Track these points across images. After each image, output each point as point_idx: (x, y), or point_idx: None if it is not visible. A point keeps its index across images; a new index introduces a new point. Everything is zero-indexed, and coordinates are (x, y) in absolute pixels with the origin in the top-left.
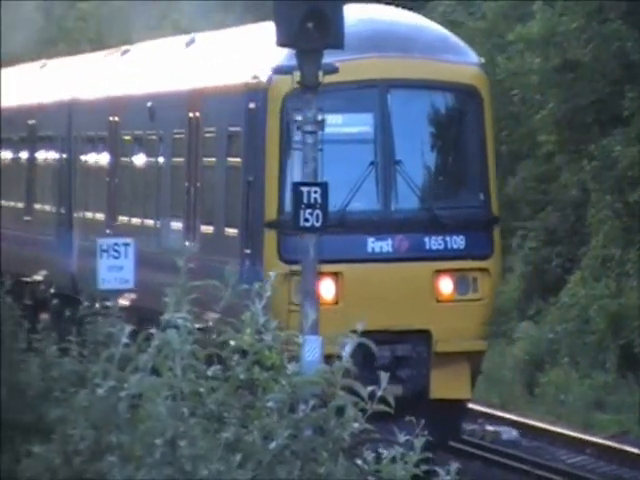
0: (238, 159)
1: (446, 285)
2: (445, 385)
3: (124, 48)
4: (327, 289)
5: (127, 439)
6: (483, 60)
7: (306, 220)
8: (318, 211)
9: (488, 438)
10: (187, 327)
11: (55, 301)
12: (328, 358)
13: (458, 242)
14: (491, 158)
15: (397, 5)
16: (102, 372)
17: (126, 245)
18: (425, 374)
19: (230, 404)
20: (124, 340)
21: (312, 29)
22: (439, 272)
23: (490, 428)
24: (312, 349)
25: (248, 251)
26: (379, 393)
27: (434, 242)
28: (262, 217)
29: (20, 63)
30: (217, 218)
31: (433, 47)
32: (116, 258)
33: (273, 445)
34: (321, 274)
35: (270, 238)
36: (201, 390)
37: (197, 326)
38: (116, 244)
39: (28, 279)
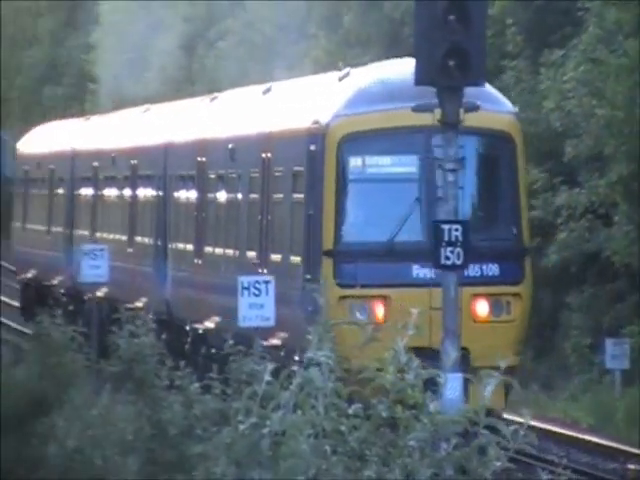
0: (301, 195)
1: (482, 308)
2: (482, 397)
3: (213, 95)
4: (378, 312)
5: (269, 476)
6: (517, 109)
7: (447, 258)
8: (459, 249)
9: (629, 476)
10: (329, 365)
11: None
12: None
13: (493, 270)
14: (523, 196)
15: (538, 42)
16: (244, 409)
17: (267, 283)
18: (464, 387)
19: (372, 442)
20: (267, 378)
21: (453, 67)
22: (476, 296)
23: (631, 467)
24: (453, 387)
25: (308, 276)
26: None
27: (472, 269)
28: (320, 246)
29: (160, 102)
30: (284, 247)
31: (473, 97)
32: (257, 296)
33: None
34: (372, 298)
35: (327, 265)
36: (343, 428)
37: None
38: (257, 282)
39: (130, 306)
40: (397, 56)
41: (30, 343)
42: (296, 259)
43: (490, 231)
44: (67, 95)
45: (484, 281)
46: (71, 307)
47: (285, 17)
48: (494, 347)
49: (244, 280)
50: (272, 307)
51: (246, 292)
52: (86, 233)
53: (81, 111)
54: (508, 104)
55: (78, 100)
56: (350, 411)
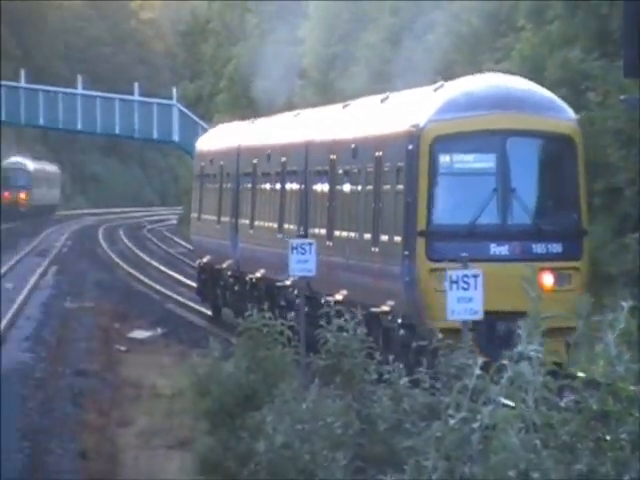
0: (402, 186)
1: (548, 279)
2: (547, 352)
3: (345, 103)
4: None
5: (480, 470)
6: (577, 116)
7: None
8: None
9: None
10: (539, 359)
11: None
12: (451, 331)
13: (557, 248)
14: (582, 188)
15: None
16: (455, 403)
17: (475, 277)
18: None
19: (583, 435)
20: (477, 372)
21: None
22: (543, 269)
23: None
24: None
25: (407, 252)
26: None
27: (539, 247)
28: (415, 228)
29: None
30: (390, 229)
31: (541, 106)
32: (465, 290)
33: (627, 478)
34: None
35: (420, 243)
36: (553, 421)
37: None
38: (466, 276)
39: (280, 284)
40: (605, 52)
41: (239, 337)
42: (398, 238)
43: (554, 216)
44: (275, 89)
45: (549, 257)
46: (236, 287)
47: (493, 8)
48: (558, 312)
49: (452, 274)
50: (480, 301)
51: (455, 286)
52: (247, 222)
53: (289, 105)
54: (571, 112)
55: (285, 94)
56: (561, 404)
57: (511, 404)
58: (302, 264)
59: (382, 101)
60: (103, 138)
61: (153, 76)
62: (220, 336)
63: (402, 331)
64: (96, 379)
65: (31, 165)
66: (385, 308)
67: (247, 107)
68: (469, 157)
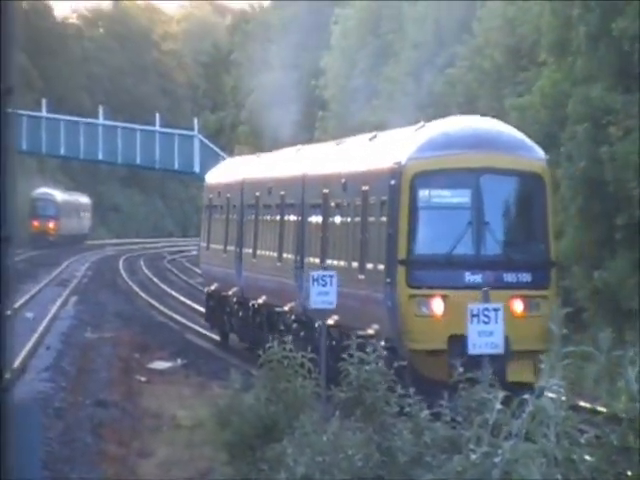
0: (385, 218)
1: (518, 306)
2: (517, 372)
3: (339, 140)
4: (438, 307)
5: None
6: (547, 156)
7: None
8: None
9: None
10: (560, 393)
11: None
12: (434, 352)
13: (527, 277)
14: (550, 222)
15: None
16: (476, 437)
17: (496, 310)
18: (504, 364)
19: (604, 471)
20: (497, 406)
21: None
22: (514, 297)
23: None
24: None
25: (389, 280)
26: None
27: (510, 276)
28: (396, 257)
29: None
30: (374, 258)
31: (513, 146)
32: (486, 323)
33: None
34: (434, 296)
35: (401, 271)
36: (574, 456)
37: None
38: (486, 309)
39: (279, 309)
40: (627, 87)
41: (260, 369)
42: (381, 267)
43: (524, 248)
44: (296, 120)
45: (519, 286)
46: (241, 313)
47: (514, 43)
48: (527, 336)
49: (473, 308)
50: (501, 334)
51: (475, 319)
52: (250, 251)
53: (310, 138)
54: (540, 152)
55: (307, 127)
56: (582, 440)
57: (532, 439)
58: (323, 296)
59: (370, 139)
60: (124, 168)
61: (175, 107)
62: (240, 367)
63: (384, 352)
64: (116, 409)
65: (59, 196)
66: (370, 331)
67: (267, 139)
68: (446, 192)
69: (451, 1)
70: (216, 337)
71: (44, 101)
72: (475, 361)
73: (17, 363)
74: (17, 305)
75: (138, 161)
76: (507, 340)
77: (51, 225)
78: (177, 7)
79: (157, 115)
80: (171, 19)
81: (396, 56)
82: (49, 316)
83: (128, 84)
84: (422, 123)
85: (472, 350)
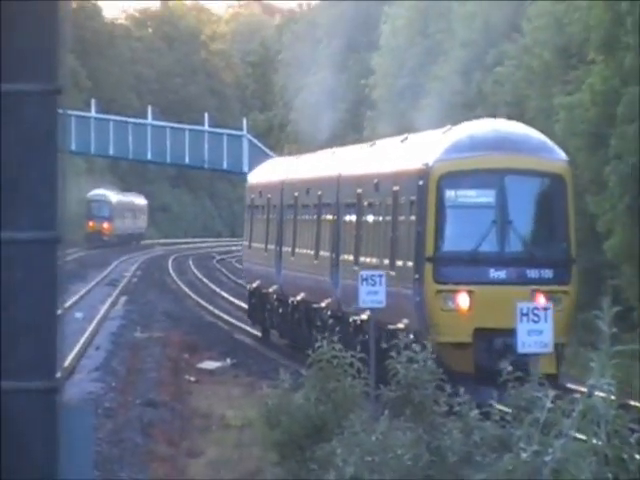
0: (414, 217)
1: (541, 301)
2: (540, 364)
3: (372, 142)
4: (464, 301)
5: None
6: (567, 158)
7: None
8: None
9: None
10: (611, 392)
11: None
12: (460, 345)
13: (549, 273)
14: (571, 221)
15: None
16: (526, 436)
17: (546, 309)
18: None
19: None
20: (548, 405)
21: None
22: (536, 292)
23: None
24: None
25: (417, 276)
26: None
27: (533, 273)
28: (424, 254)
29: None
30: (404, 255)
31: (536, 148)
32: (536, 322)
33: None
34: (460, 291)
35: (428, 268)
36: (624, 455)
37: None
38: (536, 308)
39: (316, 306)
40: None
41: (309, 369)
42: (409, 263)
43: (547, 245)
44: (344, 120)
45: (541, 281)
46: (280, 310)
47: (563, 41)
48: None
49: (523, 307)
50: (551, 333)
51: (525, 318)
52: (289, 250)
53: (358, 137)
54: (562, 153)
55: (356, 126)
56: (631, 440)
57: (583, 437)
58: (372, 295)
59: (402, 141)
60: (173, 168)
61: (223, 107)
62: (290, 367)
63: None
64: (165, 409)
65: (114, 197)
66: (400, 325)
67: (315, 139)
68: (471, 192)
69: (500, 0)
70: (259, 334)
71: (93, 101)
72: (500, 355)
73: (67, 363)
74: (67, 305)
75: (187, 161)
76: None
77: (105, 226)
78: (225, 7)
79: (206, 115)
80: (219, 19)
81: (445, 55)
82: (98, 316)
83: (176, 84)
84: (449, 126)
85: (521, 349)
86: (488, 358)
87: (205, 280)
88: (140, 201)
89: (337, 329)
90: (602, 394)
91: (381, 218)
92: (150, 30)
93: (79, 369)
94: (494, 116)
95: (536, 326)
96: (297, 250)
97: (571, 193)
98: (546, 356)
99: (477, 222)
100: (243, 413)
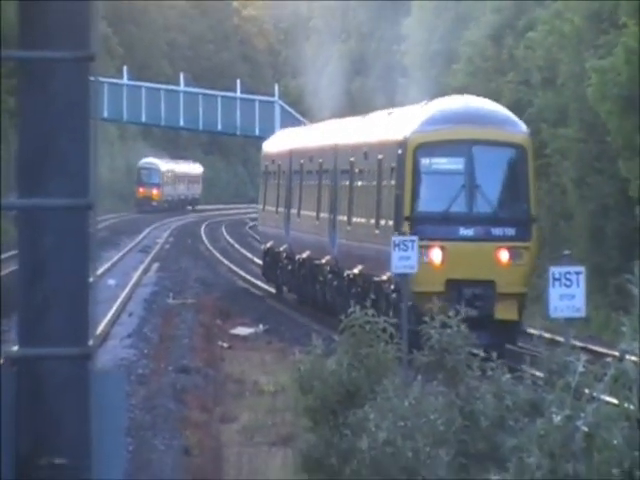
0: (394, 182)
1: (504, 255)
2: (503, 311)
3: (364, 115)
4: (437, 256)
5: (583, 468)
6: (529, 130)
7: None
8: None
9: None
10: None
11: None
12: (434, 294)
13: (511, 231)
14: (532, 185)
15: None
16: (558, 401)
17: (578, 274)
18: (492, 304)
19: None
20: (580, 369)
21: None
22: (500, 248)
23: None
24: None
25: (396, 233)
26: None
27: (497, 231)
28: (402, 214)
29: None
30: (386, 215)
31: (500, 121)
32: (568, 287)
33: None
34: (434, 247)
35: (406, 225)
36: None
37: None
38: (568, 272)
39: (317, 262)
40: None
41: (341, 334)
42: (390, 222)
43: (510, 206)
44: (376, 87)
45: (505, 238)
46: (289, 267)
47: (595, 6)
48: (511, 281)
49: (555, 271)
50: (583, 298)
51: (557, 283)
52: (296, 212)
53: (390, 104)
54: (524, 126)
55: (387, 92)
56: None
57: (615, 402)
58: (404, 261)
59: (389, 114)
60: (205, 135)
61: (255, 73)
62: (322, 333)
63: (394, 295)
64: (199, 376)
65: (163, 165)
66: (384, 277)
67: (347, 105)
68: (443, 160)
69: None
70: (273, 290)
71: (125, 68)
72: (469, 299)
73: (100, 330)
74: (99, 272)
75: (219, 127)
76: (494, 284)
77: (154, 192)
78: None
79: (238, 81)
80: None
81: (476, 20)
82: (131, 283)
83: (209, 51)
84: (425, 101)
85: (553, 313)
86: (458, 305)
87: (237, 246)
88: (195, 169)
89: (334, 283)
90: (634, 358)
91: (369, 183)
92: None
93: (112, 336)
94: (527, 81)
95: (568, 290)
96: (302, 212)
97: (531, 161)
98: (508, 303)
99: (448, 186)
100: (276, 379)
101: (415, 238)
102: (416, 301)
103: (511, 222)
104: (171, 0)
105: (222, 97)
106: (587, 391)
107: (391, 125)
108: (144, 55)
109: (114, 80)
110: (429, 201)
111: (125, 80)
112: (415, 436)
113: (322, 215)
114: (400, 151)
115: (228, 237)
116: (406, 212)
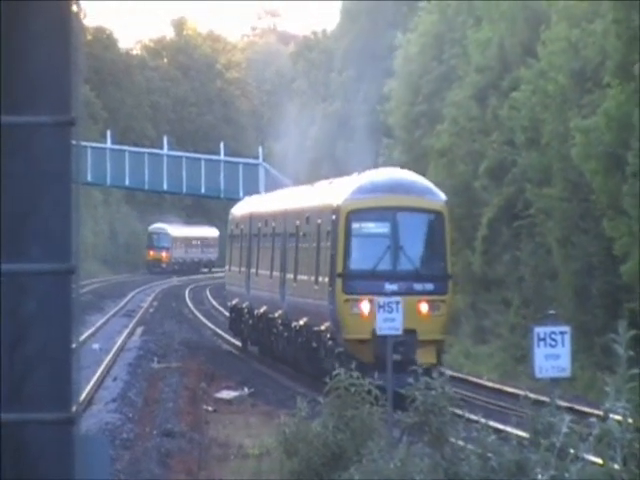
0: (329, 243)
1: (424, 307)
2: (424, 355)
3: (312, 184)
4: (366, 307)
5: None
6: (446, 198)
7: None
8: None
9: None
10: (627, 416)
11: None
12: (362, 341)
13: (430, 287)
14: (448, 246)
15: None
16: (543, 461)
17: (563, 334)
18: (413, 350)
19: None
20: (564, 429)
21: None
22: (421, 301)
23: None
24: None
25: (330, 288)
26: None
27: (418, 286)
28: (336, 272)
29: (453, 153)
30: (323, 273)
31: (421, 191)
32: (553, 347)
33: None
34: (363, 300)
35: (339, 282)
36: None
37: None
38: (553, 332)
39: (271, 315)
40: None
41: (326, 397)
42: (326, 279)
43: (429, 265)
44: (359, 149)
45: (425, 292)
46: (250, 321)
47: (578, 66)
48: (430, 329)
49: (540, 331)
50: (568, 358)
51: (542, 343)
52: (254, 271)
53: (374, 165)
54: (442, 195)
55: (370, 154)
56: None
57: (599, 461)
58: (389, 322)
59: (329, 183)
60: (189, 198)
61: (239, 135)
62: (307, 395)
63: (330, 342)
64: (183, 439)
65: (173, 230)
66: (322, 327)
67: (331, 167)
68: (371, 224)
69: (515, 25)
70: (239, 344)
71: (109, 132)
72: (393, 347)
73: (84, 394)
74: (84, 336)
75: (203, 191)
76: (415, 332)
77: (164, 254)
78: (240, 36)
79: (222, 144)
80: (234, 47)
81: (460, 80)
82: (115, 347)
83: (192, 113)
84: (356, 173)
85: (539, 374)
86: (383, 351)
87: (221, 309)
88: (210, 232)
89: (285, 334)
90: (618, 417)
91: (310, 245)
92: (165, 60)
93: (96, 400)
94: (511, 141)
95: (553, 350)
96: (260, 271)
97: (448, 225)
98: (427, 349)
99: (375, 247)
100: (261, 442)
101: (399, 299)
102: (346, 348)
103: (430, 278)
104: (154, 63)
105: (206, 160)
106: (572, 451)
107: (329, 193)
108: (128, 118)
109: (97, 144)
110: (359, 260)
111: (109, 144)
112: None
113: (274, 274)
114: (334, 216)
115: (212, 300)
116: (339, 269)
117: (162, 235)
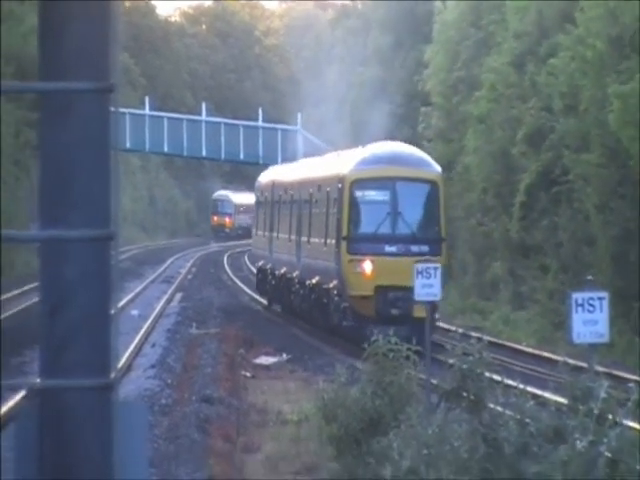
0: (336, 209)
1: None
2: (418, 311)
3: (323, 155)
4: (368, 267)
5: None
6: (441, 169)
7: None
8: None
9: None
10: None
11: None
12: (365, 297)
13: (425, 248)
14: (442, 212)
15: None
16: (581, 427)
17: (601, 299)
18: (410, 306)
19: None
20: (602, 395)
21: None
22: (417, 261)
23: None
24: None
25: (336, 250)
26: None
27: (415, 248)
28: (341, 234)
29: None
30: (331, 236)
31: (418, 162)
32: (591, 312)
33: None
34: (365, 260)
35: (344, 244)
36: None
37: None
38: (591, 298)
39: (289, 275)
40: None
41: (365, 362)
42: (333, 241)
43: (425, 228)
44: (398, 114)
45: (421, 254)
46: (274, 282)
47: (616, 32)
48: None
49: (578, 297)
50: (606, 323)
51: (580, 309)
52: (275, 235)
53: (412, 132)
54: (437, 166)
55: (409, 121)
56: None
57: (638, 427)
58: (427, 288)
59: (338, 155)
60: (227, 165)
61: (277, 102)
62: (346, 361)
63: (337, 298)
64: (222, 405)
65: (235, 197)
66: (330, 285)
67: (367, 135)
68: (373, 193)
69: None
70: (265, 302)
71: (147, 99)
72: (392, 301)
73: (123, 361)
74: (122, 303)
75: (242, 157)
76: (412, 290)
77: (227, 220)
78: (279, 2)
79: (260, 110)
80: (273, 14)
81: (498, 46)
82: (154, 313)
83: (231, 80)
84: (360, 146)
85: (577, 339)
86: (384, 306)
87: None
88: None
89: (301, 292)
90: None
91: (321, 210)
92: (204, 27)
93: (135, 367)
94: (549, 107)
95: (591, 316)
96: (280, 235)
97: (442, 193)
98: (423, 308)
99: (377, 213)
100: (300, 408)
101: (438, 265)
102: (351, 303)
103: (425, 241)
104: (192, 30)
105: (244, 126)
106: (610, 416)
107: (337, 164)
108: (166, 85)
109: (136, 111)
110: (361, 224)
111: (147, 111)
112: (438, 464)
113: (292, 237)
114: (340, 185)
115: (251, 266)
116: (344, 233)
117: (225, 202)
